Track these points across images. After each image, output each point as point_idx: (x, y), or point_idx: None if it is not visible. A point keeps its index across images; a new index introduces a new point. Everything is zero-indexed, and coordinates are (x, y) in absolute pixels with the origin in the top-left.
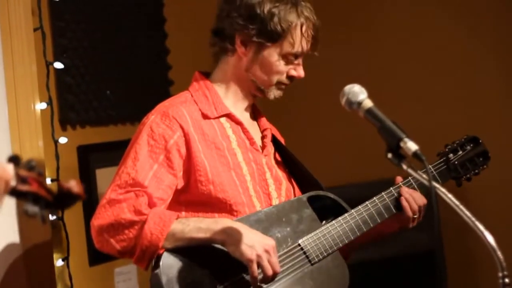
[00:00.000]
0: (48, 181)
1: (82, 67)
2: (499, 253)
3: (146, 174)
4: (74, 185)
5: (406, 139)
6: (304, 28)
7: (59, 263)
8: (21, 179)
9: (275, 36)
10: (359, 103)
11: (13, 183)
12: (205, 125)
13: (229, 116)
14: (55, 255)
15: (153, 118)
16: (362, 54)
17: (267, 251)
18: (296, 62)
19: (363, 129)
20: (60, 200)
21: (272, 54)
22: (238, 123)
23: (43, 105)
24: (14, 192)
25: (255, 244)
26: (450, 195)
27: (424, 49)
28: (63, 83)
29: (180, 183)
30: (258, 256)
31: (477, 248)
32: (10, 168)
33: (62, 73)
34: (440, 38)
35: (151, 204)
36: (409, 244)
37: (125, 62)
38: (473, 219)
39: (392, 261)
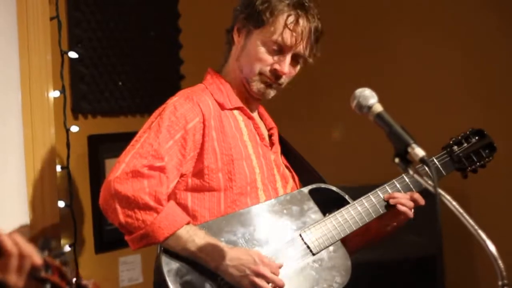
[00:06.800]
0: (58, 168)
1: (96, 57)
2: (500, 262)
3: (167, 149)
4: (92, 284)
5: (414, 145)
6: (290, 20)
7: (66, 249)
8: (45, 266)
9: (260, 21)
10: (369, 107)
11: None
12: (222, 114)
13: (242, 109)
14: (62, 241)
15: (177, 99)
16: (372, 59)
17: (257, 273)
18: (281, 56)
19: (374, 132)
20: None
21: (255, 40)
22: (250, 117)
23: (56, 93)
24: (35, 276)
25: (245, 270)
26: (454, 203)
27: (432, 54)
28: (77, 73)
29: (186, 169)
30: (251, 282)
31: (477, 254)
32: (39, 253)
33: (76, 63)
34: (448, 45)
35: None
36: (408, 248)
37: (138, 55)
38: (476, 227)
39: (391, 265)
